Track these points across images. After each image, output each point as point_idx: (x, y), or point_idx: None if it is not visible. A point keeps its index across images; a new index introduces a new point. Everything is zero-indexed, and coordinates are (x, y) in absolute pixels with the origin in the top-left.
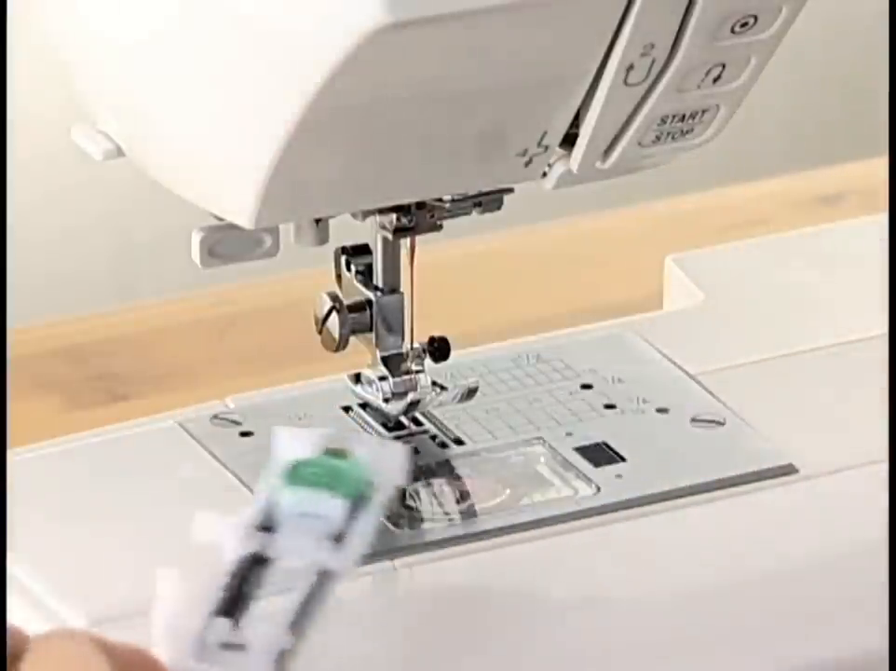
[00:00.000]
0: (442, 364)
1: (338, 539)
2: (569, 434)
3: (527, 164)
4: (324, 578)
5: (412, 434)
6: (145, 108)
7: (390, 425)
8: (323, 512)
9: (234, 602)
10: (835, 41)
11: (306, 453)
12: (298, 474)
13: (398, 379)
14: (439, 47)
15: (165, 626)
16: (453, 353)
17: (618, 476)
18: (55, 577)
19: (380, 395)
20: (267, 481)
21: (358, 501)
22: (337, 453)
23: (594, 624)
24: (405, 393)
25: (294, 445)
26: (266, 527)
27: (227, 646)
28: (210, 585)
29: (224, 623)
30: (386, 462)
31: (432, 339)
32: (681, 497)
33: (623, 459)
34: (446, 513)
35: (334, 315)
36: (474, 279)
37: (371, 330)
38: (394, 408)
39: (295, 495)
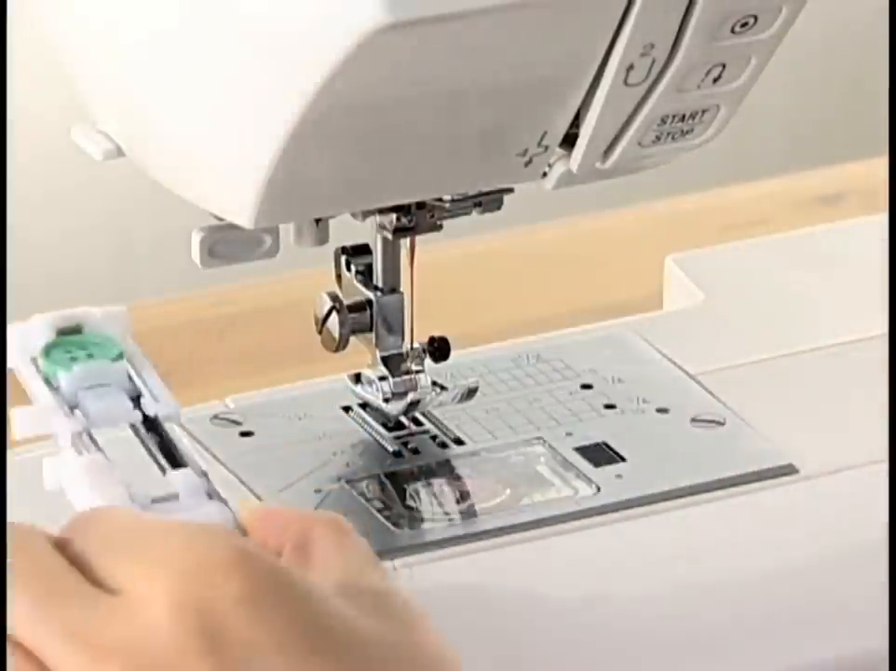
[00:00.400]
0: (442, 364)
1: (147, 395)
2: (569, 434)
3: (527, 164)
4: (168, 426)
5: (412, 434)
6: (145, 108)
7: (390, 425)
8: (112, 379)
9: (129, 466)
10: (835, 41)
11: (45, 339)
12: (57, 358)
13: (398, 379)
14: (439, 48)
15: (99, 501)
16: (453, 353)
17: (618, 476)
18: None
19: (380, 395)
20: (30, 374)
21: (127, 362)
22: (72, 330)
23: (594, 624)
24: (405, 393)
25: (30, 337)
26: (72, 407)
27: (158, 499)
28: (101, 458)
29: (141, 481)
30: (114, 324)
31: (432, 339)
32: (681, 497)
33: (623, 459)
34: (446, 513)
35: (334, 315)
36: (474, 279)
37: (371, 330)
38: (394, 408)
39: (73, 373)
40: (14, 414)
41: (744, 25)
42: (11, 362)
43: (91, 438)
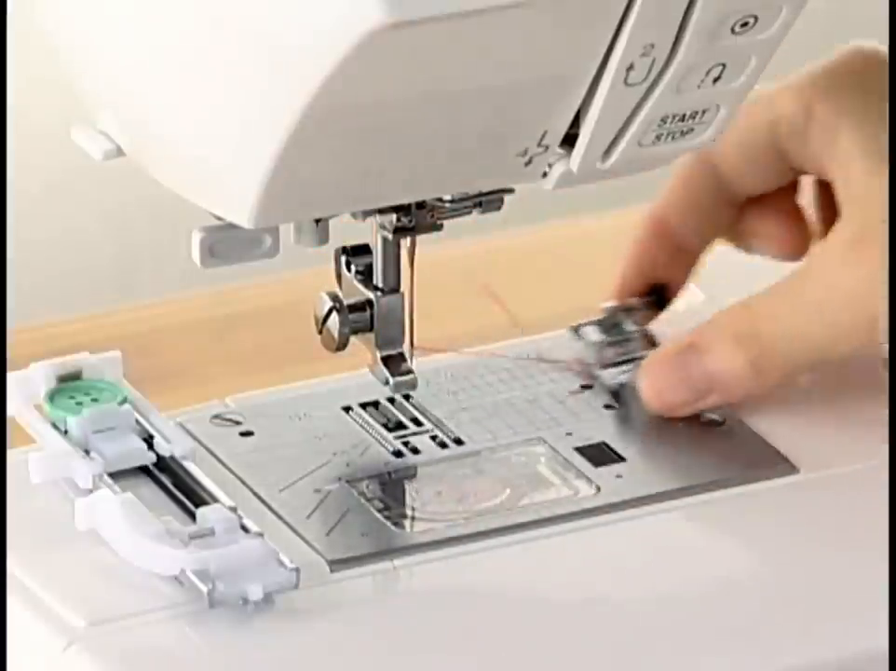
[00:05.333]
0: (442, 365)
1: (158, 436)
2: (569, 434)
3: (527, 164)
4: (182, 464)
5: (412, 434)
6: (145, 108)
7: (390, 425)
8: (120, 422)
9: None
10: (836, 41)
11: (47, 385)
12: (62, 404)
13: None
14: (439, 47)
15: (139, 542)
16: (453, 353)
17: (618, 476)
18: (55, 577)
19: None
20: (35, 419)
21: (128, 404)
22: (72, 376)
23: (594, 624)
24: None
25: (31, 384)
26: (84, 450)
27: (195, 535)
28: (132, 496)
29: (172, 518)
30: (111, 369)
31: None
32: (681, 497)
33: (623, 459)
34: (446, 514)
35: (334, 315)
36: (474, 279)
37: (371, 330)
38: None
39: (83, 418)
40: (29, 459)
41: (744, 25)
42: (12, 409)
43: (111, 479)
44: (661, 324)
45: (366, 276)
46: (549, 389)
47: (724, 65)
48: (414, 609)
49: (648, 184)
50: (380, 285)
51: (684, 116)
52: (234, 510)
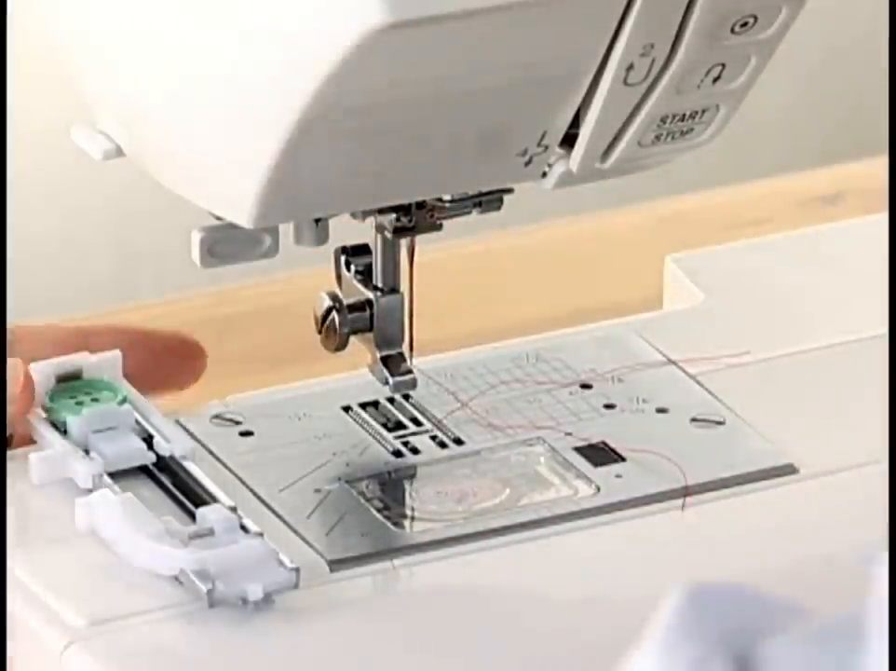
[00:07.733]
0: (443, 364)
1: (158, 436)
2: (569, 434)
3: (527, 164)
4: (182, 464)
5: (412, 434)
6: (145, 108)
7: (390, 425)
8: (120, 421)
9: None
10: (836, 40)
11: (47, 385)
12: (62, 404)
13: None
14: (439, 47)
15: (139, 542)
16: (452, 353)
17: (618, 476)
18: (55, 577)
19: None
20: (35, 419)
21: (128, 404)
22: (71, 376)
23: (594, 624)
24: None
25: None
26: (84, 450)
27: (195, 535)
28: (132, 496)
29: (172, 518)
30: (110, 368)
31: None
32: (681, 497)
33: (623, 459)
34: (446, 514)
35: (334, 315)
36: (474, 279)
37: (370, 330)
38: None
39: (83, 417)
40: (30, 460)
41: (744, 25)
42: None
43: (111, 479)
44: (661, 325)
45: (366, 276)
46: (548, 388)
47: (724, 65)
48: (413, 609)
49: (648, 184)
50: (379, 285)
51: (684, 115)
52: (234, 510)
